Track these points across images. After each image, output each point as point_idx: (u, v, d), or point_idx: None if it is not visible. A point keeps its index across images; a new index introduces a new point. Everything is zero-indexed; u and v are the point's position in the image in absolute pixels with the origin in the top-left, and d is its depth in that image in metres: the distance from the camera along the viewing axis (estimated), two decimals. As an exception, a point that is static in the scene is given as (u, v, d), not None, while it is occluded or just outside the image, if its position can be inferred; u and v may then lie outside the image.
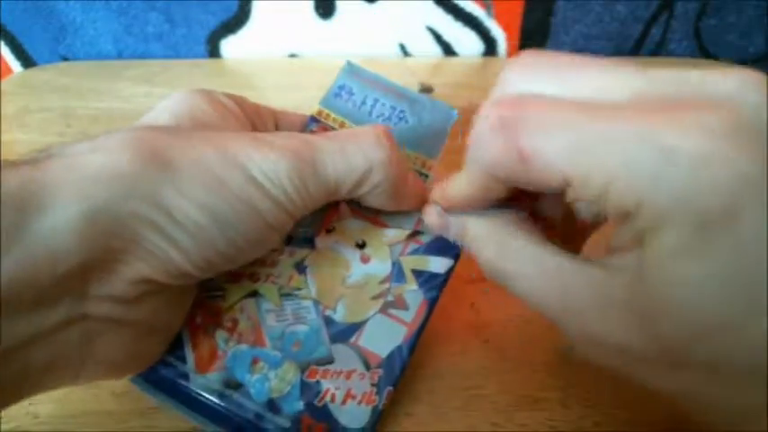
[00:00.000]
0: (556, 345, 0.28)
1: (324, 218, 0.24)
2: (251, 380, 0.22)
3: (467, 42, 0.49)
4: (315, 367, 0.22)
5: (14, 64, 0.50)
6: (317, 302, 0.23)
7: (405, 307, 0.23)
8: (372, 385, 0.22)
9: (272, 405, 0.21)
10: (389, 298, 0.23)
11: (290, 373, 0.22)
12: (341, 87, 0.26)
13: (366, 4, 0.47)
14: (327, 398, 0.22)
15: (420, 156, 0.26)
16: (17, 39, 0.48)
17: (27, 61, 0.50)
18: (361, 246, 0.24)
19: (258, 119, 0.25)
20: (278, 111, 0.27)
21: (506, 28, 0.48)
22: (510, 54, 0.49)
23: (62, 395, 0.26)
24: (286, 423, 0.21)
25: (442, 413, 0.26)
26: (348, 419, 0.22)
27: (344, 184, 0.21)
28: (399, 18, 0.48)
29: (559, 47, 0.48)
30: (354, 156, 0.21)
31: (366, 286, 0.23)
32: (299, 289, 0.23)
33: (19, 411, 0.25)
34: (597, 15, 0.47)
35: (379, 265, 0.24)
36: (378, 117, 0.26)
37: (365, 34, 0.49)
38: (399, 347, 0.23)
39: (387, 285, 0.23)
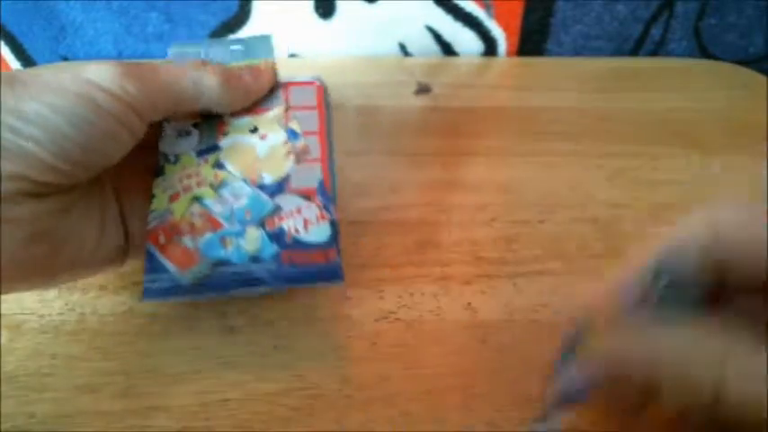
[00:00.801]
0: (554, 345, 0.28)
1: (216, 127, 0.29)
2: (228, 253, 0.26)
3: (467, 42, 0.49)
4: (270, 218, 0.27)
5: (14, 64, 0.50)
6: (245, 179, 0.28)
7: (308, 151, 0.29)
8: (318, 207, 0.27)
9: (255, 259, 0.26)
10: (296, 151, 0.29)
11: (254, 234, 0.26)
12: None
13: (366, 4, 0.47)
14: (293, 232, 0.26)
15: (252, 61, 0.31)
16: (17, 39, 0.48)
17: (27, 61, 0.50)
18: (254, 130, 0.29)
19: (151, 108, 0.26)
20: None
21: (506, 28, 0.48)
22: (509, 54, 0.49)
23: (59, 395, 0.26)
24: (272, 265, 0.26)
25: (438, 413, 0.26)
26: (315, 238, 0.26)
27: (181, 93, 0.26)
28: (399, 18, 0.48)
29: (559, 47, 0.48)
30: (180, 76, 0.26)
31: (275, 153, 0.29)
32: (226, 180, 0.28)
33: (15, 411, 0.25)
34: (597, 15, 0.47)
35: (276, 136, 0.29)
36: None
37: (365, 34, 0.49)
38: (321, 180, 0.28)
39: (288, 145, 0.29)
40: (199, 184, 0.28)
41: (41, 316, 0.29)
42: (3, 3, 0.45)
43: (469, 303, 0.30)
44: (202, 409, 0.26)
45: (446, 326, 0.29)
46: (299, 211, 0.27)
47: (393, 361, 0.28)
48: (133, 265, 0.31)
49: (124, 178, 0.28)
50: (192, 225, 0.26)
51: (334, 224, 0.27)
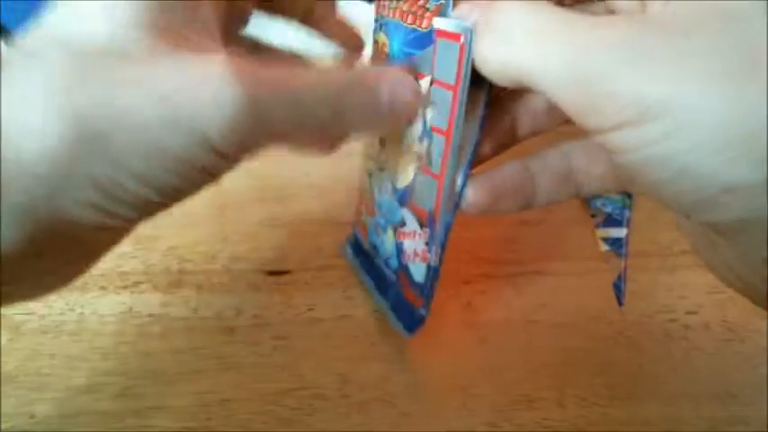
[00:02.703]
0: (553, 345, 0.28)
1: None
2: (378, 243, 0.26)
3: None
4: (399, 229, 0.24)
5: (15, 64, 0.50)
6: (389, 174, 0.24)
7: (429, 159, 0.22)
8: (425, 243, 0.23)
9: (386, 263, 0.26)
10: (420, 154, 0.23)
11: (390, 237, 0.25)
12: None
13: (366, 5, 0.47)
14: (408, 256, 0.24)
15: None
16: (17, 39, 0.48)
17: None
18: None
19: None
20: None
21: (506, 28, 0.48)
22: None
23: (59, 395, 0.26)
24: (393, 278, 0.25)
25: (438, 413, 0.26)
26: (416, 275, 0.24)
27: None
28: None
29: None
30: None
31: (410, 149, 0.23)
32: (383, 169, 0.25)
33: (16, 411, 0.25)
34: (597, 15, 0.47)
35: (417, 125, 0.22)
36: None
37: (365, 34, 0.49)
38: (433, 208, 0.23)
39: (419, 145, 0.22)
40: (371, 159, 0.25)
41: (41, 316, 0.29)
42: (3, 3, 0.45)
43: (469, 303, 0.30)
44: (202, 409, 0.26)
45: (446, 326, 0.29)
46: (414, 235, 0.24)
47: (393, 361, 0.28)
48: (133, 266, 0.31)
49: None
50: (365, 203, 0.26)
51: (430, 269, 0.23)
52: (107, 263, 0.31)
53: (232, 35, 0.22)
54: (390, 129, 0.23)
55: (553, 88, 0.16)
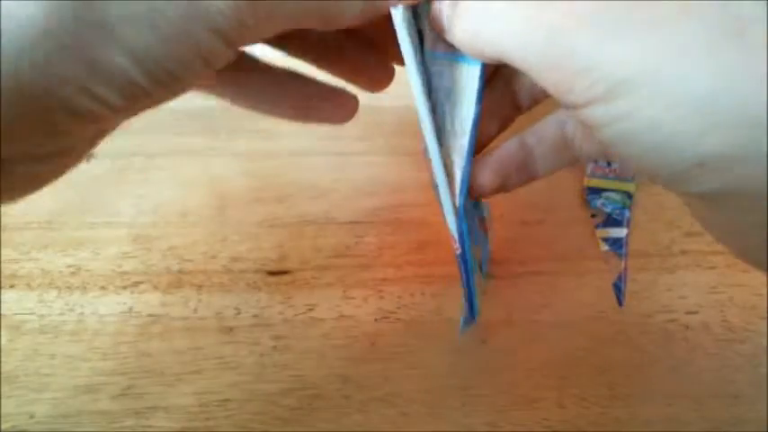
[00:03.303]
0: (553, 345, 0.28)
1: None
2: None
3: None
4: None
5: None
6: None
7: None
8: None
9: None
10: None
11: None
12: None
13: None
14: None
15: None
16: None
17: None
18: None
19: None
20: None
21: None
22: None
23: (59, 395, 0.26)
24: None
25: (438, 413, 0.26)
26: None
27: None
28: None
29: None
30: None
31: None
32: None
33: (16, 411, 0.25)
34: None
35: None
36: None
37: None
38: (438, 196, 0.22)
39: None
40: None
41: (41, 316, 0.29)
42: (3, 3, 0.45)
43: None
44: (202, 409, 0.26)
45: (446, 326, 0.29)
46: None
47: (393, 361, 0.28)
48: (133, 266, 0.31)
49: None
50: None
51: (457, 258, 0.23)
52: (107, 263, 0.31)
53: None
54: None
55: (527, 65, 0.16)
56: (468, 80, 0.20)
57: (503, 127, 0.23)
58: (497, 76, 0.23)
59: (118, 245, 0.32)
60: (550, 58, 0.15)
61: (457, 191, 0.21)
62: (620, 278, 0.30)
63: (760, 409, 0.26)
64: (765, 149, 0.13)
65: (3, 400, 0.26)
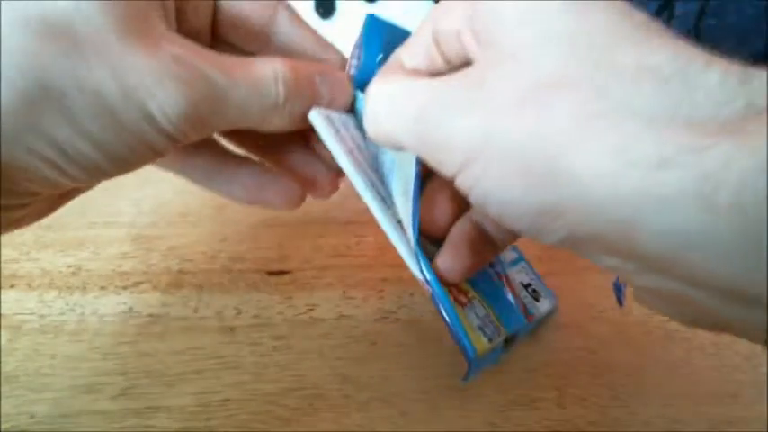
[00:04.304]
0: (553, 345, 0.28)
1: None
2: None
3: (466, 42, 0.49)
4: None
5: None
6: None
7: None
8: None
9: None
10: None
11: None
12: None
13: (366, 4, 0.47)
14: None
15: None
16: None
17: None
18: None
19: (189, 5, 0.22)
20: None
21: (506, 28, 0.48)
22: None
23: (59, 395, 0.26)
24: None
25: (438, 413, 0.26)
26: None
27: (246, 121, 0.21)
28: (399, 18, 0.48)
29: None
30: (258, 94, 0.20)
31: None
32: None
33: (16, 411, 0.25)
34: (597, 15, 0.47)
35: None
36: None
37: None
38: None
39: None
40: None
41: (41, 316, 0.29)
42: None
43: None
44: (202, 409, 0.26)
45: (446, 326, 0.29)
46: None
47: (393, 361, 0.28)
48: (133, 266, 0.31)
49: None
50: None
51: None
52: (107, 263, 0.31)
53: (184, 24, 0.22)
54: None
55: (411, 148, 0.18)
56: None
57: (459, 208, 0.24)
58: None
59: (118, 245, 0.32)
60: (422, 137, 0.17)
61: (410, 234, 0.22)
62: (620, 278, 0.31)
63: (760, 409, 0.26)
64: (577, 194, 0.14)
65: (3, 400, 0.26)
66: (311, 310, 0.29)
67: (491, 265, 0.26)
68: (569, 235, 0.15)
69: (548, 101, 0.14)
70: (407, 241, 0.22)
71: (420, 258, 0.22)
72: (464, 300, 0.24)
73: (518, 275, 0.27)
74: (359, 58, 0.24)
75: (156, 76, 0.18)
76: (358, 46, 0.24)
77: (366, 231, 0.33)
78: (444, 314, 0.22)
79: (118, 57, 0.18)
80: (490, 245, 0.24)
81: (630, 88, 0.14)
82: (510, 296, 0.26)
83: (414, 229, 0.21)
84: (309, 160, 0.26)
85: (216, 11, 0.24)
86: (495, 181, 0.15)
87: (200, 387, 0.27)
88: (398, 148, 0.19)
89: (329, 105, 0.23)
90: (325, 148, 0.23)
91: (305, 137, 0.25)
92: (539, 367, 0.28)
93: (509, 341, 0.25)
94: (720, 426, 0.26)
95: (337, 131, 0.23)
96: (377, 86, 0.20)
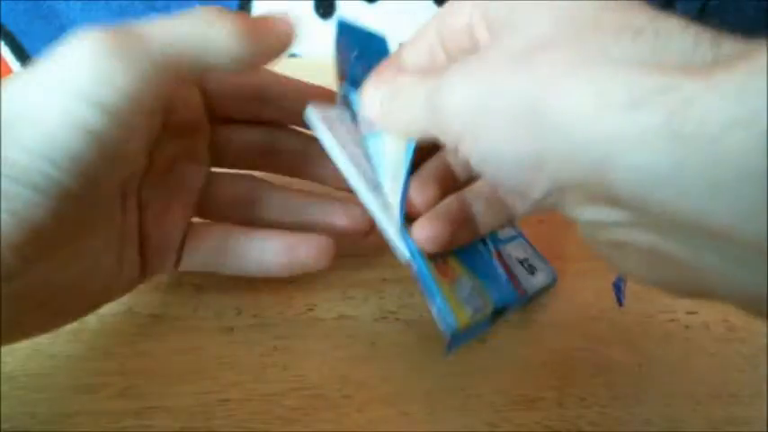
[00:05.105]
0: (553, 345, 0.28)
1: None
2: None
3: (466, 42, 0.49)
4: None
5: (14, 64, 0.50)
6: None
7: None
8: None
9: None
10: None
11: None
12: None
13: (366, 4, 0.47)
14: None
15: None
16: (17, 39, 0.48)
17: (27, 61, 0.50)
18: None
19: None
20: (207, 78, 0.25)
21: (506, 28, 0.48)
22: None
23: (59, 395, 0.26)
24: None
25: (438, 413, 0.26)
26: None
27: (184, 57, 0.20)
28: (399, 18, 0.48)
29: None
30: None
31: None
32: None
33: (15, 411, 0.25)
34: (597, 15, 0.47)
35: None
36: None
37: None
38: None
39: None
40: None
41: (41, 316, 0.29)
42: (3, 3, 0.45)
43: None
44: (202, 409, 0.26)
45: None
46: None
47: (393, 361, 0.28)
48: (133, 265, 0.31)
49: (155, 187, 0.25)
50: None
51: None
52: (107, 263, 0.31)
53: None
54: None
55: (424, 133, 0.19)
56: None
57: (443, 194, 0.25)
58: (435, 152, 0.26)
59: (118, 245, 0.32)
60: (432, 120, 0.18)
61: (396, 214, 0.23)
62: (620, 278, 0.30)
63: (760, 409, 0.26)
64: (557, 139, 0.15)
65: (3, 400, 0.26)
66: (311, 310, 0.29)
67: (483, 243, 0.27)
68: (552, 184, 0.16)
69: (535, 59, 0.16)
70: (395, 223, 0.23)
71: (405, 236, 0.23)
72: (451, 274, 0.25)
73: (514, 251, 0.28)
74: (343, 61, 0.26)
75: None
76: (337, 48, 0.26)
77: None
78: (424, 287, 0.23)
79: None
80: (472, 222, 0.25)
81: (610, 41, 0.15)
82: (500, 270, 0.27)
83: (401, 209, 0.23)
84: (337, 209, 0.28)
85: (207, 95, 0.26)
86: (488, 141, 0.17)
87: (200, 387, 0.27)
88: (410, 137, 0.21)
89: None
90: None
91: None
92: (539, 367, 0.28)
93: (499, 313, 0.26)
94: (720, 426, 0.26)
95: (331, 127, 0.25)
96: (378, 87, 0.21)
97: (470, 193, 0.25)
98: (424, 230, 0.24)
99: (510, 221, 0.26)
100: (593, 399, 0.26)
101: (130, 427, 0.25)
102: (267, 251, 0.27)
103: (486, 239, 0.27)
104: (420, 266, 0.23)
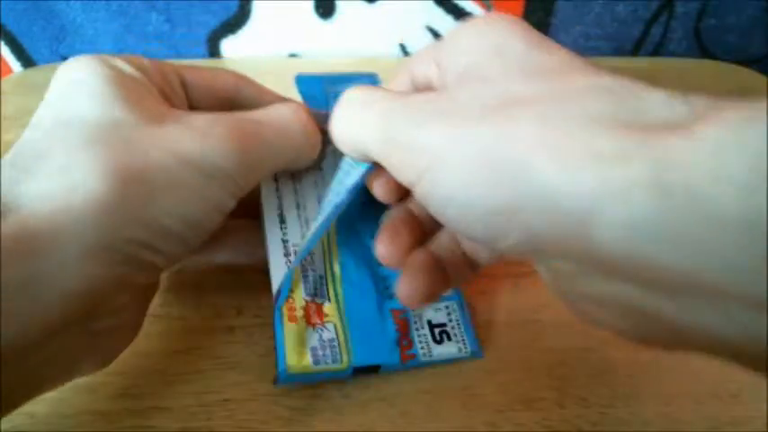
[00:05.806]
0: (553, 345, 0.28)
1: None
2: None
3: (466, 42, 0.49)
4: None
5: (14, 64, 0.50)
6: None
7: None
8: None
9: None
10: None
11: None
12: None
13: (366, 4, 0.47)
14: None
15: None
16: (17, 39, 0.48)
17: (27, 61, 0.50)
18: None
19: (164, 81, 0.24)
20: (183, 67, 0.26)
21: (506, 28, 0.48)
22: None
23: (58, 395, 0.26)
24: None
25: (438, 413, 0.26)
26: None
27: (284, 157, 0.24)
28: (399, 18, 0.48)
29: (559, 47, 0.48)
30: (292, 139, 0.24)
31: None
32: None
33: (16, 411, 0.25)
34: (597, 15, 0.47)
35: None
36: None
37: (365, 34, 0.49)
38: None
39: None
40: None
41: (41, 316, 0.29)
42: (3, 3, 0.45)
43: (469, 303, 0.30)
44: (202, 409, 0.26)
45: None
46: None
47: (393, 361, 0.28)
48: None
49: None
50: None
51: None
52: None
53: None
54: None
55: (374, 153, 0.19)
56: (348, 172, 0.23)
57: (414, 243, 0.24)
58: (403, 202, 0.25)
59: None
60: (389, 144, 0.18)
61: (302, 247, 0.25)
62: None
63: (760, 409, 0.26)
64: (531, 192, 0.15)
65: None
66: (311, 310, 0.29)
67: (390, 299, 0.27)
68: (524, 234, 0.15)
69: (512, 112, 0.16)
70: (282, 259, 0.26)
71: (289, 273, 0.25)
72: (317, 321, 0.25)
73: (433, 314, 0.28)
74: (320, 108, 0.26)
75: (201, 137, 0.21)
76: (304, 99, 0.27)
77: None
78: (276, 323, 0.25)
79: (160, 137, 0.20)
80: (445, 274, 0.24)
81: (587, 100, 0.15)
82: (392, 329, 0.26)
83: (311, 241, 0.25)
84: None
85: (186, 87, 0.26)
86: (455, 184, 0.16)
87: (200, 387, 0.27)
88: (362, 155, 0.20)
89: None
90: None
91: None
92: (539, 367, 0.28)
93: (367, 370, 0.26)
94: (720, 426, 0.26)
95: (277, 189, 0.27)
96: (351, 93, 0.21)
97: (434, 245, 0.25)
98: (407, 289, 0.23)
99: (473, 270, 0.25)
100: (594, 399, 0.26)
101: (131, 427, 0.25)
102: None
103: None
104: (278, 302, 0.25)
